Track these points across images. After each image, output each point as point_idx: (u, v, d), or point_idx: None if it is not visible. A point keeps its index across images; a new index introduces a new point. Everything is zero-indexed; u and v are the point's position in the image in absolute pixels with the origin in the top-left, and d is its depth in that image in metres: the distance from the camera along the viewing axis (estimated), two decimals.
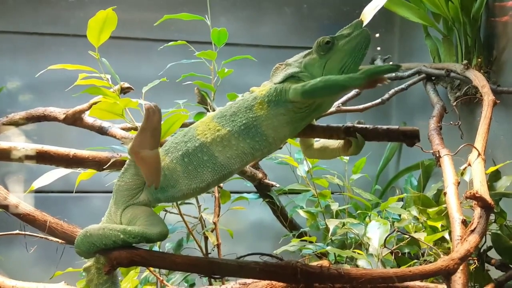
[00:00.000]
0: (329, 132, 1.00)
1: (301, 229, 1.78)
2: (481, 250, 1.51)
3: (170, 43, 1.74)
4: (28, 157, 1.30)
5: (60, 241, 1.09)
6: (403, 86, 2.11)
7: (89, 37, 1.35)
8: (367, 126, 0.95)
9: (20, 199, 1.08)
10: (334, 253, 1.42)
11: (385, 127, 0.96)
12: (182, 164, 1.03)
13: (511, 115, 1.87)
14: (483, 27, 2.00)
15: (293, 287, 1.11)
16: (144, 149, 0.99)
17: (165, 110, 1.59)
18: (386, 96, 2.06)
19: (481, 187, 1.22)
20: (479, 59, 1.94)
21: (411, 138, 0.91)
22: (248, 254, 1.08)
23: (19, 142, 1.36)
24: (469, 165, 1.36)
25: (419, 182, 2.19)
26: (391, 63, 2.51)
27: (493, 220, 1.54)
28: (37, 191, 1.51)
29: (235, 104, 1.06)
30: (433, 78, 2.15)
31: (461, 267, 1.14)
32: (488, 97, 1.60)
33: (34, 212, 1.01)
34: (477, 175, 1.28)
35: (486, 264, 1.53)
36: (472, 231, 1.09)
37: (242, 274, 0.97)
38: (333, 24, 2.78)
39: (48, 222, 1.01)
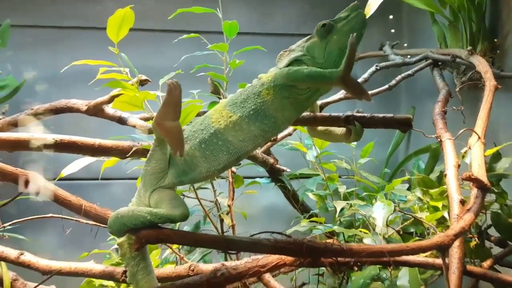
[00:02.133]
0: (330, 121, 1.08)
1: (311, 211, 1.88)
2: (482, 228, 1.59)
3: (184, 35, 1.82)
4: (57, 147, 1.41)
5: (91, 222, 1.20)
6: (409, 72, 2.17)
7: (109, 33, 1.44)
8: (365, 114, 1.03)
9: None
10: (343, 233, 1.51)
11: (381, 115, 1.03)
12: (200, 150, 1.13)
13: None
14: (488, 13, 2.04)
15: (301, 262, 1.21)
16: (167, 120, 1.09)
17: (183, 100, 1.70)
18: (393, 82, 2.13)
19: (478, 169, 1.30)
20: (484, 45, 1.99)
21: (404, 125, 0.99)
22: (260, 232, 1.18)
23: (47, 134, 1.46)
24: (469, 148, 1.43)
25: (427, 165, 2.26)
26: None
27: (494, 200, 1.62)
28: (61, 179, 1.62)
29: (244, 91, 1.14)
30: (439, 63, 2.20)
31: (457, 243, 1.23)
32: (490, 83, 1.66)
33: (70, 197, 1.12)
34: (475, 157, 1.36)
35: (486, 241, 1.61)
36: (468, 210, 1.17)
37: (255, 249, 1.07)
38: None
39: (83, 206, 1.12)
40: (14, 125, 1.97)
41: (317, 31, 1.10)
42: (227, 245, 1.06)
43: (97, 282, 1.63)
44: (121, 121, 1.79)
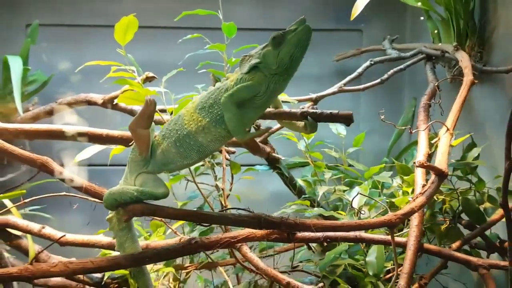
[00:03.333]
0: (289, 116, 1.25)
1: (303, 196, 2.05)
2: (456, 212, 1.73)
3: (188, 36, 2.00)
4: (72, 137, 1.63)
5: (92, 199, 1.42)
6: (401, 66, 2.28)
7: (116, 37, 1.64)
8: (316, 111, 1.18)
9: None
10: (321, 214, 1.68)
11: (328, 111, 1.19)
12: (175, 147, 1.33)
13: (497, 91, 2.03)
14: (477, 9, 2.14)
15: (276, 237, 1.39)
16: (139, 128, 1.29)
17: (186, 94, 1.89)
18: (385, 76, 2.25)
19: (441, 157, 1.44)
20: (471, 41, 2.09)
21: (347, 120, 1.14)
22: (228, 208, 1.36)
23: (65, 125, 1.68)
24: (439, 139, 1.57)
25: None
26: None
27: (469, 187, 1.75)
28: (83, 165, 1.84)
29: (212, 95, 1.31)
30: (433, 58, 2.31)
31: (416, 223, 1.38)
32: (467, 78, 1.77)
33: (75, 177, 1.34)
34: (441, 147, 1.50)
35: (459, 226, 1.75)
36: (422, 193, 1.32)
37: (222, 222, 1.27)
38: (346, 6, 2.95)
39: (83, 185, 1.33)
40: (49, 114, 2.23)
41: (270, 42, 1.26)
42: (199, 218, 1.26)
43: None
44: (132, 113, 2.01)
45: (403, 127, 1.57)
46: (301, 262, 2.00)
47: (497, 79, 2.03)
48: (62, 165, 1.47)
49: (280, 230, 1.25)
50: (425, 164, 1.31)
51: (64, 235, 1.44)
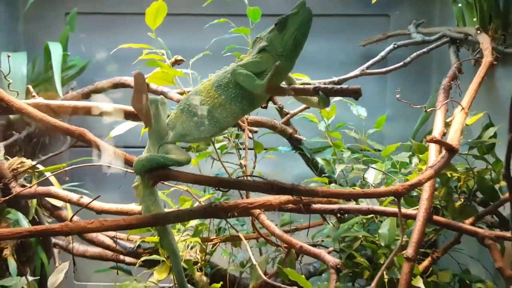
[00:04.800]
0: (304, 92, 1.33)
1: (323, 174, 2.13)
2: (472, 190, 1.77)
3: (215, 21, 2.10)
4: (107, 114, 1.77)
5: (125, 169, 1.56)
6: (425, 50, 2.31)
7: (147, 22, 1.77)
8: (327, 86, 1.26)
9: None
10: None
11: (338, 86, 1.26)
12: (193, 121, 1.44)
13: None
14: None
15: (293, 208, 1.49)
16: (139, 103, 1.40)
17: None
18: (408, 59, 2.28)
19: (453, 134, 1.49)
20: (495, 23, 2.10)
21: (355, 94, 1.21)
22: (245, 175, 1.46)
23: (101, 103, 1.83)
24: (453, 117, 1.62)
25: None
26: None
27: (486, 167, 1.79)
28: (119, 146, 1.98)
29: (227, 75, 1.41)
30: (457, 41, 2.33)
31: (426, 196, 1.44)
32: (486, 59, 1.80)
33: (107, 146, 1.48)
34: (454, 125, 1.55)
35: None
36: (431, 167, 1.38)
37: (239, 187, 1.36)
38: None
39: (115, 151, 1.47)
40: (86, 96, 2.39)
41: (275, 26, 1.35)
42: (219, 183, 1.37)
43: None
44: (163, 94, 2.12)
45: (428, 109, 1.61)
46: (322, 241, 2.10)
47: None
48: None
49: (291, 195, 1.35)
50: (434, 139, 1.36)
51: (99, 196, 1.56)
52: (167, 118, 1.53)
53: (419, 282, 1.51)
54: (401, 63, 2.28)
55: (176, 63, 2.00)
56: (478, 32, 2.05)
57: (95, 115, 1.78)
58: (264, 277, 1.44)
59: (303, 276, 1.45)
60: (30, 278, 1.73)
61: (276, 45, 1.34)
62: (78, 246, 2.24)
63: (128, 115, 1.83)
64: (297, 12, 1.32)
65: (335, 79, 2.22)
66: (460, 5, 2.38)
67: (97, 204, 1.77)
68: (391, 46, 2.36)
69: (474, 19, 2.25)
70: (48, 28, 2.90)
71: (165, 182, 1.79)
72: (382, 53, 2.31)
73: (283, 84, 1.41)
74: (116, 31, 2.91)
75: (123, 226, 1.34)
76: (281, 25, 1.33)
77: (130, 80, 2.28)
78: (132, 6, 2.89)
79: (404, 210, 1.54)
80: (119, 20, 2.93)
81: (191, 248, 2.10)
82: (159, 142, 1.48)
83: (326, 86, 1.23)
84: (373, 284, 1.23)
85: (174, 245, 1.57)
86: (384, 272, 1.61)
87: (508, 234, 1.41)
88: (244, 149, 1.90)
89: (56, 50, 2.54)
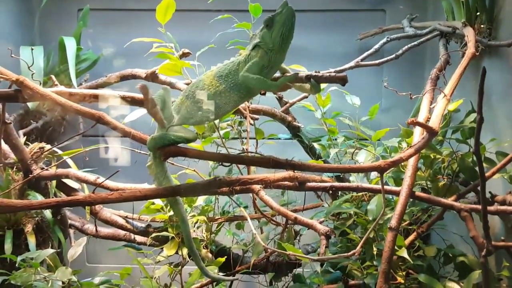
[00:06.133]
0: (298, 79, 1.50)
1: (321, 158, 2.29)
2: (455, 171, 1.93)
3: (219, 16, 2.26)
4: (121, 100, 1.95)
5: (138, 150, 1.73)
6: (415, 42, 2.45)
7: (157, 17, 1.93)
8: (318, 74, 1.42)
9: None
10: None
11: (327, 74, 1.43)
12: (197, 106, 1.61)
13: (503, 64, 2.18)
14: None
15: (289, 186, 1.65)
16: (152, 108, 1.58)
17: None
18: (400, 52, 2.43)
19: (435, 118, 1.65)
20: (481, 17, 2.24)
21: (342, 80, 1.37)
22: (245, 152, 1.63)
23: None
24: (436, 104, 1.77)
25: None
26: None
27: (469, 150, 1.94)
28: None
29: (227, 67, 1.60)
30: (446, 35, 2.47)
31: (409, 173, 1.60)
32: (469, 50, 1.95)
33: (120, 125, 1.65)
34: (436, 110, 1.70)
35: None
36: (411, 147, 1.53)
37: (239, 162, 1.52)
38: None
39: (131, 132, 1.64)
40: (100, 87, 2.56)
41: (264, 23, 1.53)
42: (220, 158, 1.54)
43: (155, 207, 2.17)
44: (171, 85, 2.29)
45: (414, 97, 1.77)
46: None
47: (504, 53, 2.18)
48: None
49: (285, 169, 1.51)
50: (414, 122, 1.52)
51: (118, 171, 1.70)
52: (173, 104, 1.70)
53: (403, 252, 1.67)
54: (393, 55, 2.42)
55: (184, 55, 2.16)
56: (464, 25, 2.19)
57: (109, 103, 1.94)
58: (266, 246, 1.60)
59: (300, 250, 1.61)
60: (51, 251, 1.90)
61: (267, 41, 1.52)
62: (92, 228, 2.42)
63: (139, 102, 1.99)
64: (281, 11, 1.50)
65: (332, 70, 2.37)
66: (448, 1, 2.52)
67: (112, 184, 1.94)
68: (384, 40, 2.50)
69: (462, 14, 2.39)
70: (61, 24, 3.08)
71: (174, 163, 1.95)
72: (376, 46, 2.45)
73: (278, 74, 1.57)
74: (126, 27, 3.07)
75: (140, 196, 1.51)
76: (268, 24, 1.51)
77: (140, 72, 2.44)
78: (142, 2, 3.05)
79: (390, 187, 1.70)
80: (130, 16, 3.09)
81: (198, 227, 2.27)
82: (167, 124, 1.65)
83: (316, 73, 1.39)
84: (358, 247, 1.39)
85: (183, 213, 1.75)
86: (373, 245, 1.78)
87: (479, 206, 1.56)
88: (246, 134, 2.06)
89: (70, 44, 2.71)
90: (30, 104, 2.64)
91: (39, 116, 2.88)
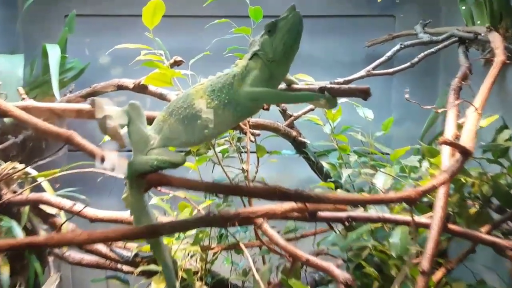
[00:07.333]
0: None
1: (329, 179, 2.04)
2: (486, 196, 1.68)
3: (216, 21, 2.03)
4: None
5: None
6: (432, 49, 2.23)
7: (144, 21, 1.69)
8: (334, 86, 1.18)
9: None
10: None
11: (346, 86, 1.19)
12: (183, 125, 1.34)
13: None
14: None
15: (299, 217, 1.40)
16: (105, 126, 1.33)
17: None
18: (416, 59, 2.20)
19: (467, 136, 1.41)
20: (506, 22, 2.02)
21: (364, 93, 1.13)
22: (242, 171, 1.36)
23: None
24: (466, 119, 1.53)
25: None
26: None
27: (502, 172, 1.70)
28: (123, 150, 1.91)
29: (221, 80, 1.33)
30: (466, 41, 2.25)
31: (441, 204, 1.35)
32: (498, 58, 1.72)
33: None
34: (467, 126, 1.46)
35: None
36: (444, 171, 1.29)
37: (236, 193, 1.27)
38: None
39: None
40: (84, 98, 2.32)
41: (266, 30, 1.29)
42: (215, 188, 1.28)
43: None
44: (161, 97, 2.05)
45: (440, 110, 1.53)
46: (328, 249, 2.01)
47: None
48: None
49: (295, 201, 1.26)
50: (447, 141, 1.28)
51: (86, 206, 1.46)
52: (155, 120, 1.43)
53: None
54: (409, 63, 2.20)
55: (176, 64, 1.92)
56: (489, 30, 1.97)
57: (88, 118, 1.69)
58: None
59: (309, 287, 1.36)
60: None
61: (267, 49, 1.28)
62: (74, 254, 2.16)
63: None
64: (286, 16, 1.26)
65: (340, 80, 2.13)
66: (467, 5, 2.30)
67: (91, 211, 1.69)
68: (397, 46, 2.28)
69: (484, 19, 2.17)
70: (47, 30, 2.86)
71: (162, 189, 1.71)
72: (389, 54, 2.23)
73: (283, 85, 1.33)
74: (115, 33, 2.86)
75: (112, 238, 1.26)
76: (270, 30, 1.27)
77: (127, 82, 2.21)
78: (131, 8, 2.83)
79: (416, 218, 1.45)
80: (118, 22, 2.88)
81: (191, 256, 2.02)
82: (146, 148, 1.37)
83: (333, 86, 1.15)
84: None
85: (167, 257, 1.47)
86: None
87: None
88: (246, 152, 1.82)
89: (53, 52, 2.47)
90: (6, 118, 2.39)
91: (18, 130, 2.62)
